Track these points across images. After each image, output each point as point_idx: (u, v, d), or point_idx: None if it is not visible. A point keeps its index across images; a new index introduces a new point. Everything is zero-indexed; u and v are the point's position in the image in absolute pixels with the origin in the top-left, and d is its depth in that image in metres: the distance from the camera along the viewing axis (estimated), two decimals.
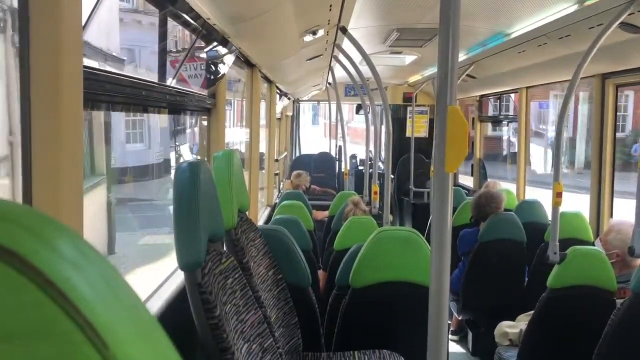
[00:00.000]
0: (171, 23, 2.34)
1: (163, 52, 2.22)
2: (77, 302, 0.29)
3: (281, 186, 7.40)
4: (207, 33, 2.53)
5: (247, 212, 2.33)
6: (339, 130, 7.37)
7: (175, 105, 2.42)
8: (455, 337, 4.79)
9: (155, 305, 1.90)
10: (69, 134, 1.25)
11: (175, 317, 1.87)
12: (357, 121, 20.22)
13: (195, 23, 2.40)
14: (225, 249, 2.03)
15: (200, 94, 2.75)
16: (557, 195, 3.12)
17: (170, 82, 2.23)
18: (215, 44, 2.61)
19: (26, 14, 1.17)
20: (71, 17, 1.26)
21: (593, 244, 3.55)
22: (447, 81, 1.30)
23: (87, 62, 1.47)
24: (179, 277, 2.27)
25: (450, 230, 1.35)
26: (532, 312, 2.99)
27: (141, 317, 0.34)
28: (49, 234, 0.31)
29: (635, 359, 2.35)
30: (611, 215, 4.09)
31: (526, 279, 4.15)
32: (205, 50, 2.71)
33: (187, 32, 2.52)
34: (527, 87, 5.48)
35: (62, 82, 1.22)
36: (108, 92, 1.62)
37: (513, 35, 3.92)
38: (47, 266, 0.29)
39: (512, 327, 3.34)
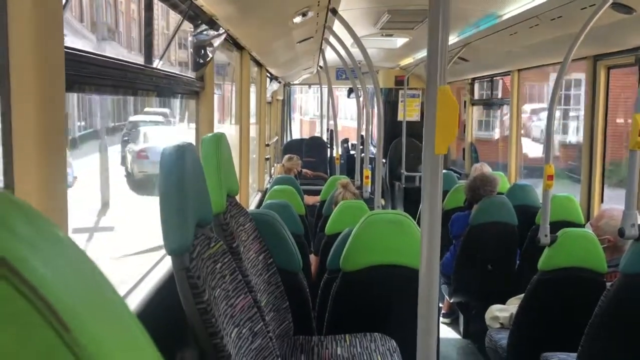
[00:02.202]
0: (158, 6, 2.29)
1: (149, 34, 2.18)
2: (34, 283, 0.27)
3: (272, 171, 7.37)
4: (194, 14, 2.49)
5: (236, 197, 2.31)
6: (330, 116, 7.33)
7: (163, 88, 2.38)
8: (446, 320, 4.82)
9: (145, 290, 1.88)
10: (51, 117, 1.22)
11: (165, 301, 1.86)
12: (344, 118, 19.33)
13: (182, 4, 2.35)
14: (214, 233, 2.01)
15: (188, 77, 2.71)
16: (548, 178, 3.12)
17: (157, 64, 2.19)
18: (203, 26, 2.57)
19: None
20: None
21: (584, 227, 3.56)
22: (438, 61, 1.28)
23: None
24: (169, 262, 2.25)
25: (440, 212, 1.33)
26: (522, 295, 3.00)
27: (106, 297, 0.32)
28: (3, 211, 0.29)
29: (624, 340, 2.36)
30: (602, 198, 4.10)
31: (517, 262, 4.16)
32: (194, 32, 2.67)
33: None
34: (519, 70, 5.46)
35: (42, 63, 1.19)
36: (92, 74, 1.59)
37: (505, 17, 3.89)
38: (2, 246, 0.27)
39: (503, 311, 3.36)
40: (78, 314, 0.29)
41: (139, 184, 10.37)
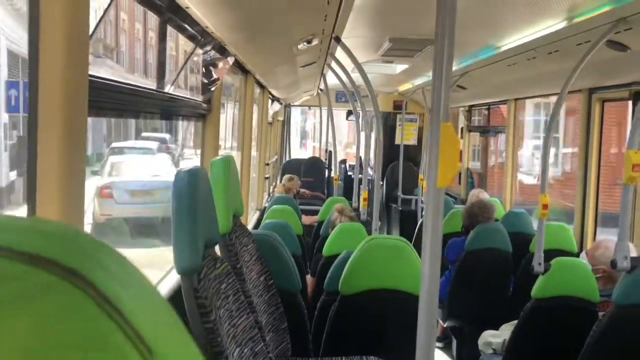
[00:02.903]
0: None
1: (162, 58, 2.26)
2: (129, 317, 0.33)
3: (271, 190, 7.43)
4: (204, 40, 2.57)
5: (240, 218, 2.37)
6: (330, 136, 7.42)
7: (171, 111, 2.46)
8: (439, 344, 4.84)
9: None
10: (74, 141, 1.28)
11: None
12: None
13: (193, 31, 2.43)
14: (219, 253, 2.07)
15: (196, 100, 2.79)
16: (543, 207, 3.19)
17: (169, 88, 2.27)
18: (212, 51, 2.65)
19: (37, 23, 1.20)
20: (79, 26, 1.29)
21: (577, 255, 3.62)
22: (441, 99, 1.36)
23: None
24: (171, 281, 2.30)
25: (441, 242, 1.40)
26: (515, 321, 3.05)
27: (177, 327, 0.38)
28: (99, 253, 0.35)
29: None
30: (595, 228, 4.17)
31: (511, 288, 4.21)
32: (202, 56, 2.75)
33: None
34: (516, 99, 5.57)
35: (69, 90, 1.25)
36: (110, 99, 1.66)
37: (503, 49, 4.00)
38: (102, 284, 0.33)
39: (496, 337, 3.40)
40: (159, 342, 0.34)
41: (101, 233, 7.65)
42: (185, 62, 2.43)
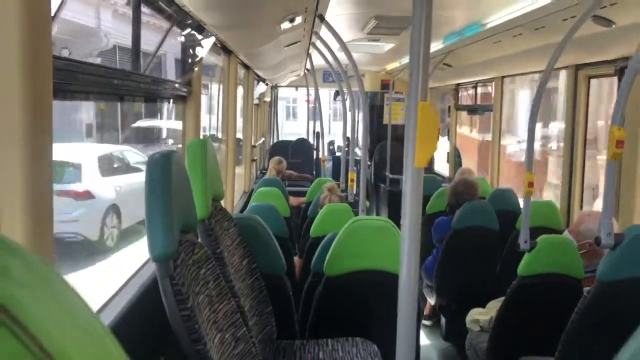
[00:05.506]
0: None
1: (137, 39, 2.19)
2: (29, 326, 0.29)
3: (258, 173, 7.38)
4: (181, 20, 2.51)
5: (221, 201, 2.33)
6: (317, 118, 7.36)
7: (149, 93, 2.40)
8: (428, 322, 4.86)
9: (129, 295, 1.90)
10: (39, 127, 1.23)
11: (150, 306, 1.87)
12: None
13: (169, 10, 2.37)
14: (199, 239, 2.04)
15: (175, 82, 2.72)
16: (529, 185, 3.18)
17: (144, 70, 2.21)
18: (190, 31, 2.58)
19: None
20: (39, 5, 1.23)
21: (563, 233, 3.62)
22: (419, 78, 1.32)
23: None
24: (153, 266, 2.26)
25: (420, 222, 1.37)
26: (502, 298, 3.05)
27: (95, 335, 0.35)
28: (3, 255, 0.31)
29: (599, 345, 2.42)
30: (581, 205, 4.18)
31: (498, 266, 4.22)
32: (181, 37, 2.68)
33: None
34: (502, 77, 5.54)
35: (31, 72, 1.20)
36: (79, 82, 1.60)
37: (489, 25, 3.95)
38: (2, 294, 0.29)
39: (483, 314, 3.41)
40: (66, 350, 0.31)
41: None
42: (161, 42, 2.37)
